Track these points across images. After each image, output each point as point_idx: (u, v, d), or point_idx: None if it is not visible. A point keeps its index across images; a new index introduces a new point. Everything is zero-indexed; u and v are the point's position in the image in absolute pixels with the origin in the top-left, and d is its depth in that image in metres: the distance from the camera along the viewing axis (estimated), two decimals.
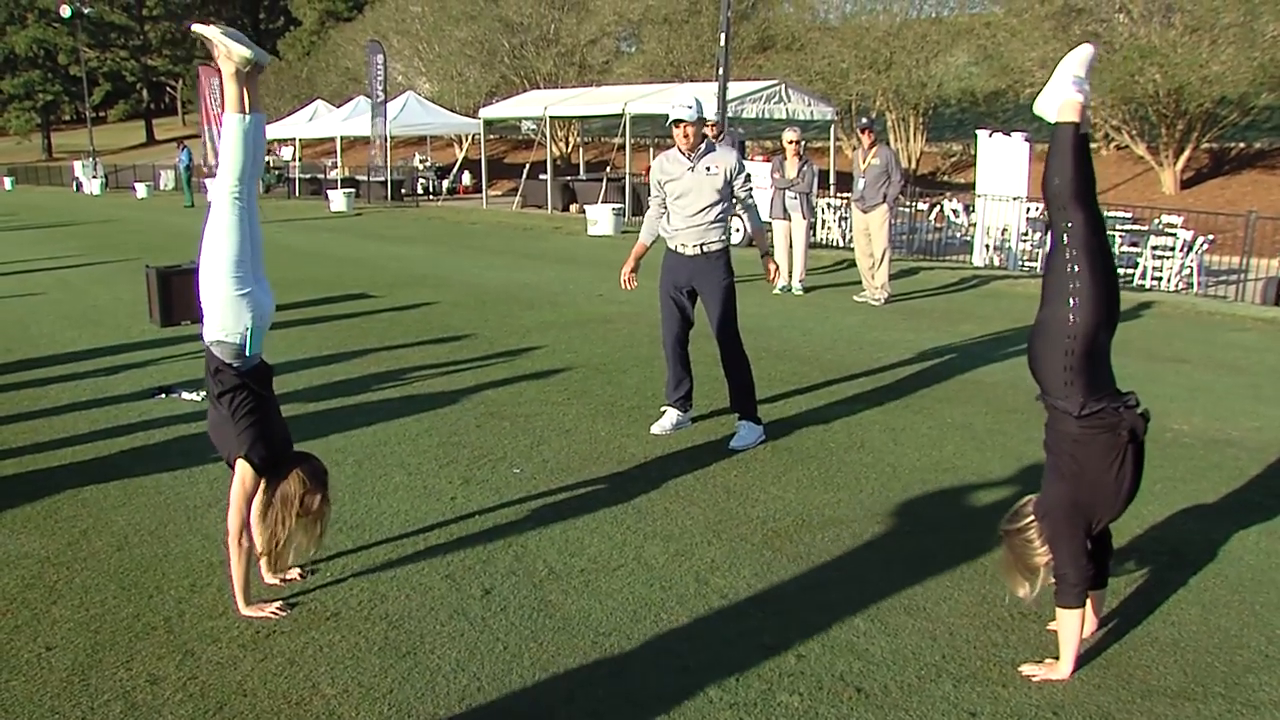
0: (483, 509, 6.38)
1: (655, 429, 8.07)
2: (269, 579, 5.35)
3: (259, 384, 5.07)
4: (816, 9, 40.08)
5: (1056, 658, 4.43)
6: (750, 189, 7.88)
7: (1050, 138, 4.38)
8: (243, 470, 4.93)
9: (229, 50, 4.86)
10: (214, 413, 5.06)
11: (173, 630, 4.85)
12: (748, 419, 7.85)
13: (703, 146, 7.72)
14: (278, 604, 5.08)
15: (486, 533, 6.00)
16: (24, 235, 27.01)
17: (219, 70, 4.98)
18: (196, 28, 5.15)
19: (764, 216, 19.62)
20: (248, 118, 4.90)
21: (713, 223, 7.76)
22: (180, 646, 4.69)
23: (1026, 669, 4.44)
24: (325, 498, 5.07)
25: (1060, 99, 4.38)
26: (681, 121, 7.58)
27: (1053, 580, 4.40)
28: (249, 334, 4.98)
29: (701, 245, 7.76)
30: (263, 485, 4.99)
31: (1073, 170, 4.27)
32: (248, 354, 5.01)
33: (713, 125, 15.71)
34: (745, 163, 7.99)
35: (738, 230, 20.51)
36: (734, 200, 7.86)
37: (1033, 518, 4.44)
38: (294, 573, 5.44)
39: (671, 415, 8.13)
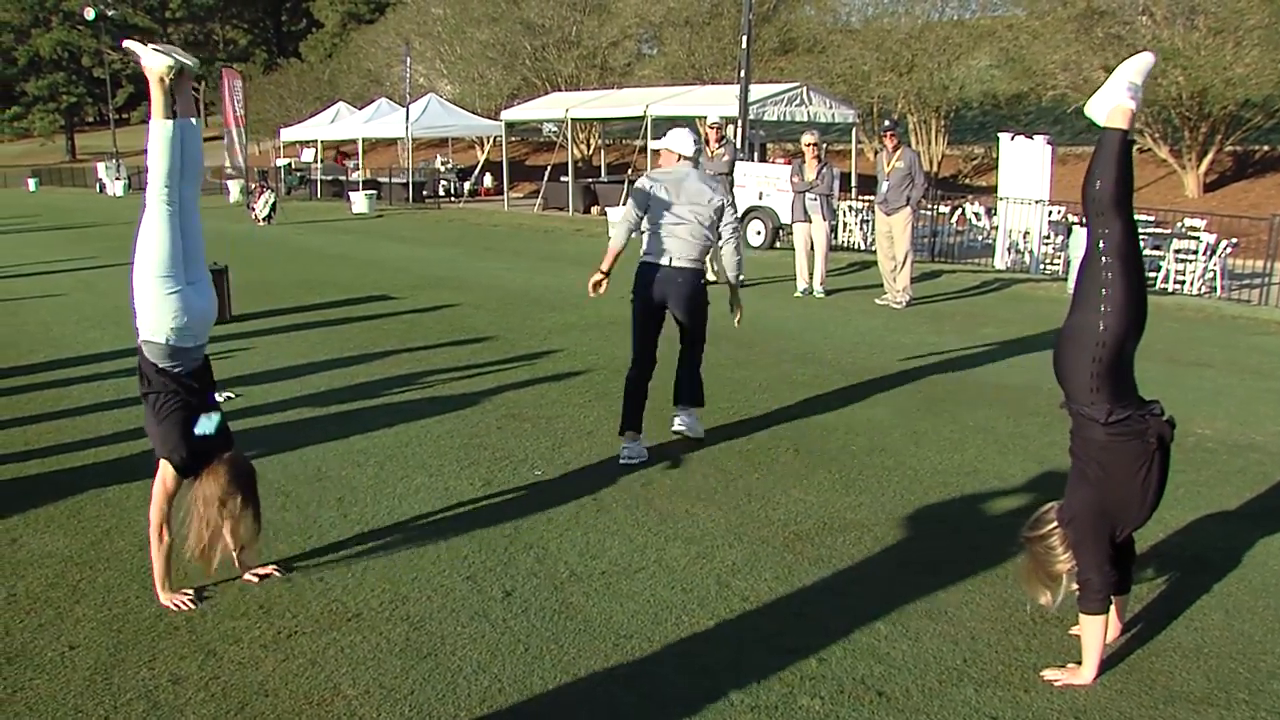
0: (504, 511, 6.39)
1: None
2: (246, 576, 5.44)
3: (189, 388, 5.13)
4: (838, 11, 39.98)
5: (1079, 663, 4.42)
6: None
7: (1097, 141, 4.36)
8: (164, 469, 5.08)
9: (148, 62, 5.01)
10: (146, 409, 5.16)
11: (194, 630, 4.87)
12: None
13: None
14: (190, 595, 5.18)
15: (508, 535, 6.01)
16: (47, 236, 27.15)
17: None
18: (127, 44, 5.37)
19: (784, 219, 19.63)
20: (171, 123, 4.99)
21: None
22: (202, 646, 4.71)
23: (1049, 674, 4.43)
24: (246, 499, 5.13)
25: (1112, 104, 4.35)
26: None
27: (1075, 586, 4.38)
28: (175, 335, 5.03)
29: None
30: (198, 483, 5.09)
31: (1115, 176, 4.24)
32: (178, 356, 5.08)
33: (714, 128, 15.78)
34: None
35: (759, 234, 20.50)
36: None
37: (1055, 524, 4.42)
38: (269, 568, 5.52)
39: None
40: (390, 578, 5.44)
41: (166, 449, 5.06)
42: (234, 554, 5.27)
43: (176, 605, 5.11)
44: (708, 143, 15.36)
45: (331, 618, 4.99)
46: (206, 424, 5.04)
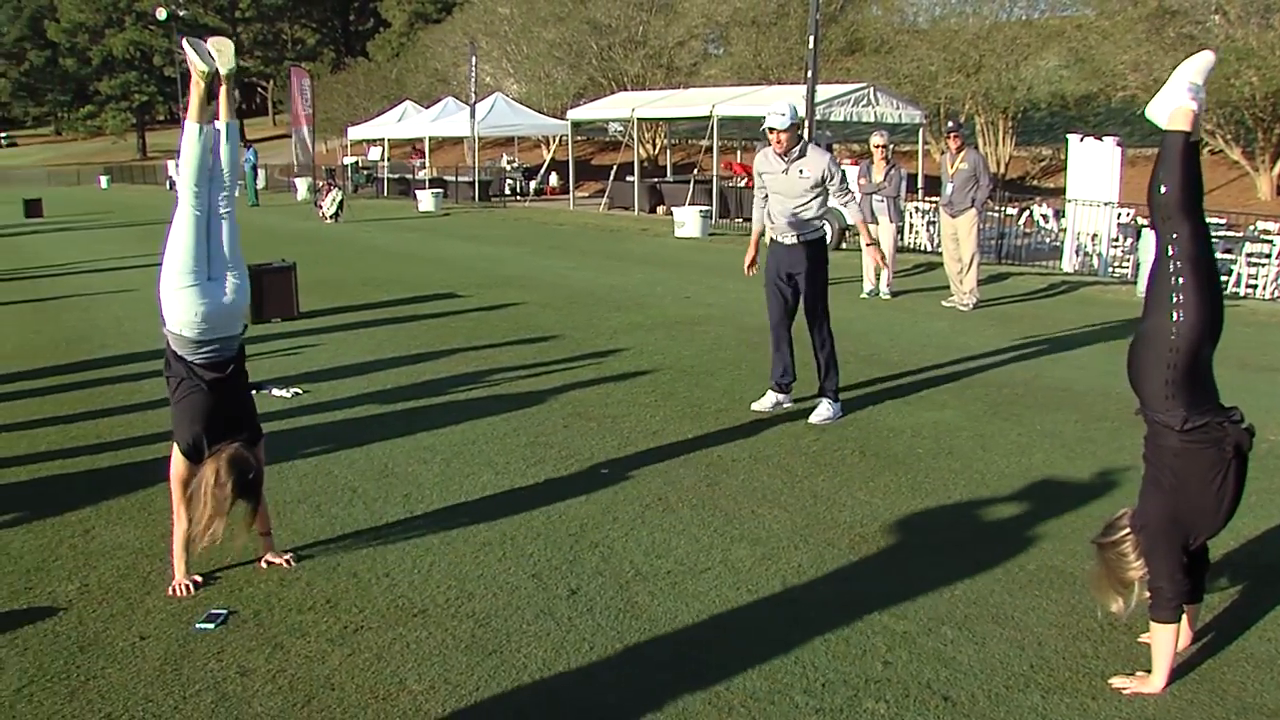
0: (570, 509, 6.41)
1: (755, 406, 8.68)
2: (272, 559, 5.62)
3: (203, 379, 5.28)
4: (905, 12, 39.73)
5: (1148, 671, 4.36)
6: (845, 189, 8.33)
7: (1159, 145, 4.29)
8: (174, 453, 5.30)
9: (192, 61, 5.23)
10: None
11: (262, 623, 4.92)
12: (826, 396, 8.56)
13: (796, 150, 8.23)
14: (197, 581, 5.35)
15: (573, 533, 6.02)
16: (119, 232, 27.53)
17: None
18: (184, 41, 5.52)
19: (850, 220, 19.52)
20: (199, 127, 5.19)
21: (808, 219, 8.32)
22: (269, 639, 4.76)
23: (1117, 681, 4.37)
24: (237, 493, 5.19)
25: (1173, 105, 4.28)
26: (773, 129, 8.12)
27: (1147, 594, 4.32)
28: (188, 327, 5.20)
29: (799, 235, 8.34)
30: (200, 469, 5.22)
31: (1181, 180, 4.17)
32: (195, 347, 5.24)
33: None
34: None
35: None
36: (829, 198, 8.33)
37: (1128, 530, 4.37)
38: (286, 555, 5.65)
39: (771, 396, 8.73)
40: (456, 574, 5.47)
41: (176, 433, 5.32)
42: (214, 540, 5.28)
43: (174, 590, 5.27)
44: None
45: (397, 613, 5.03)
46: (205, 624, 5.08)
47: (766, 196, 8.46)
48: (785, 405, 8.72)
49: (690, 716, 4.13)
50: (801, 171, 8.18)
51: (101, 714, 4.15)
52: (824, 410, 8.43)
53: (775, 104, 8.21)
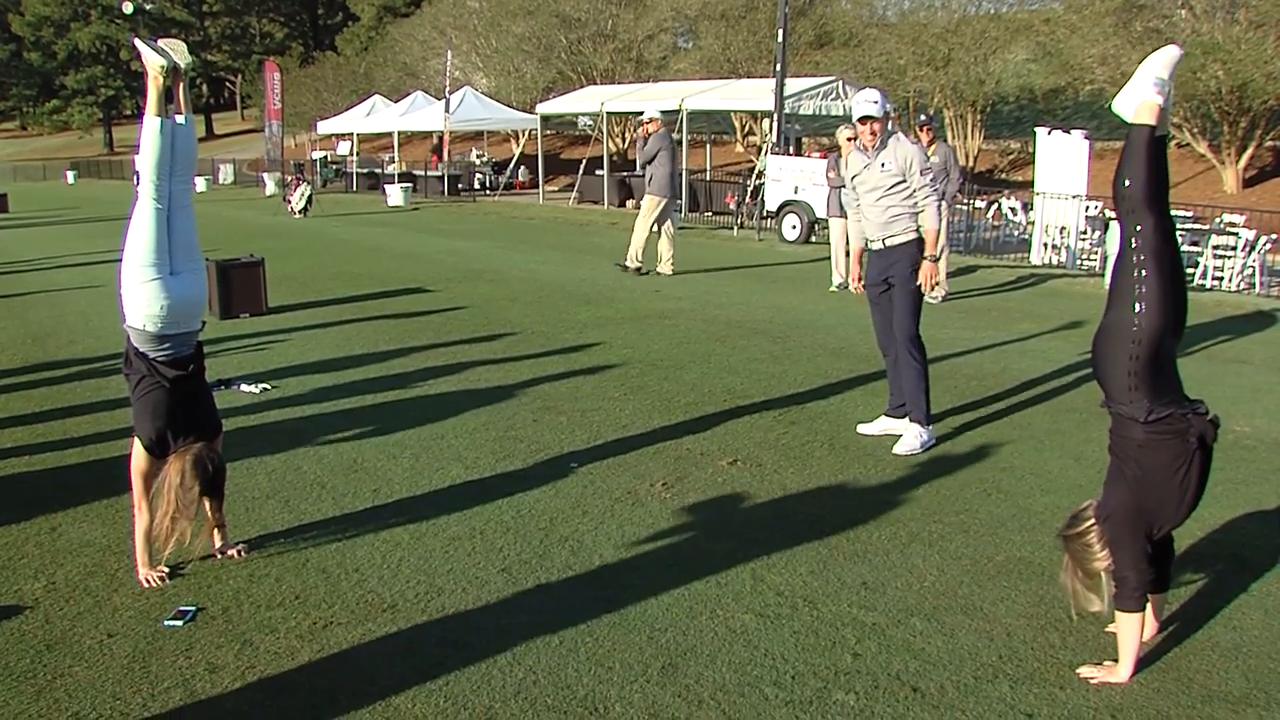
0: (539, 504, 6.40)
1: (863, 428, 7.98)
2: (226, 551, 5.63)
3: (164, 375, 5.28)
4: (874, 5, 39.75)
5: (1115, 660, 4.39)
6: (926, 184, 7.49)
7: (1125, 138, 4.32)
8: (135, 446, 5.31)
9: (147, 59, 5.30)
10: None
11: (231, 620, 4.90)
12: (914, 422, 7.61)
13: (878, 141, 7.56)
14: (164, 572, 5.36)
15: (543, 528, 6.02)
16: (86, 228, 27.33)
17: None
18: (135, 42, 5.60)
19: (820, 214, 19.60)
20: (160, 121, 5.23)
21: (893, 218, 7.55)
22: (238, 636, 4.74)
23: (1085, 671, 4.40)
24: (203, 489, 5.24)
25: (1139, 99, 4.31)
26: (869, 118, 7.47)
27: (1113, 584, 4.35)
28: (152, 321, 5.21)
29: (884, 239, 7.63)
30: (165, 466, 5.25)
31: (1145, 173, 4.20)
32: (157, 343, 5.25)
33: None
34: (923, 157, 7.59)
35: (794, 228, 20.45)
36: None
37: (1093, 521, 4.39)
38: (238, 546, 5.68)
39: (884, 421, 7.95)
40: (425, 569, 5.46)
41: (136, 427, 5.33)
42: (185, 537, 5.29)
43: (148, 581, 5.29)
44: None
45: (367, 609, 5.01)
46: None
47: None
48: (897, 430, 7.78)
49: (661, 710, 4.14)
50: (883, 165, 7.50)
51: (69, 713, 4.13)
52: (906, 438, 7.59)
53: (864, 93, 7.64)
